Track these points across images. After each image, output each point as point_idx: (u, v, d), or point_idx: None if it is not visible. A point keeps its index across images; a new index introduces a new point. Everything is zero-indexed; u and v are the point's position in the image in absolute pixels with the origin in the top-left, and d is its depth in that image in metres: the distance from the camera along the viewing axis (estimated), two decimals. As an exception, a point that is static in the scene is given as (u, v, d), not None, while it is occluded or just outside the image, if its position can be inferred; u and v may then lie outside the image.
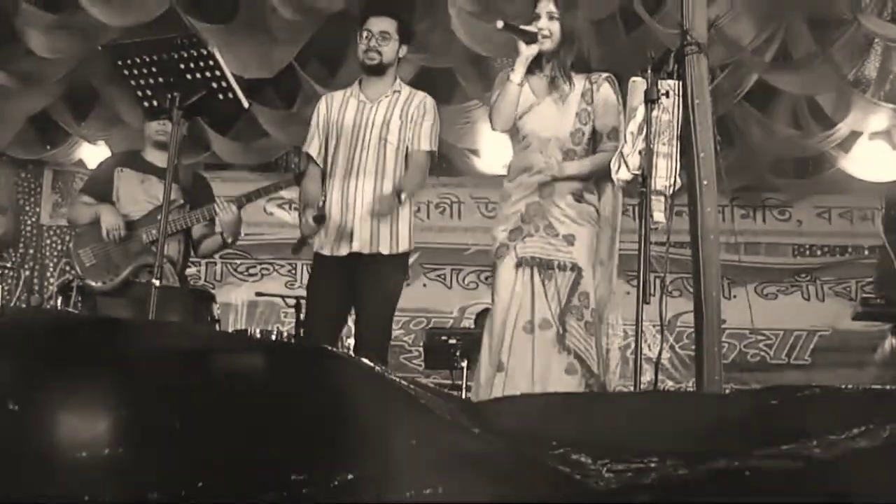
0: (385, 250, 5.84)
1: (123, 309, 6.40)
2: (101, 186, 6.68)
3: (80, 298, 7.15)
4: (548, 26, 5.50)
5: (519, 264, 5.51)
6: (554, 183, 5.51)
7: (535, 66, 5.56)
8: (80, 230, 6.68)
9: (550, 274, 5.48)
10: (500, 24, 5.45)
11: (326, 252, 5.90)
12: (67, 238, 12.58)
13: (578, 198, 5.57)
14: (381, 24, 5.93)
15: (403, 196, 5.74)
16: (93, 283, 6.52)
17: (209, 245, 6.70)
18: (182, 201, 6.53)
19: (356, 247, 5.81)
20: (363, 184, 5.87)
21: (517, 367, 5.43)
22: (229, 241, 6.57)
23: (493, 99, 5.68)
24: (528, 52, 5.45)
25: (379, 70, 5.97)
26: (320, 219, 5.84)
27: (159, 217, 5.85)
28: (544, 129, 5.59)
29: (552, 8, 5.50)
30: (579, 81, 5.60)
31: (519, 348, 5.46)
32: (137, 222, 6.48)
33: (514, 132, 5.65)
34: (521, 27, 5.48)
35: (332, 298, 5.91)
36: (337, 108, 6.06)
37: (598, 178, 5.62)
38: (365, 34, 5.95)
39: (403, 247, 5.92)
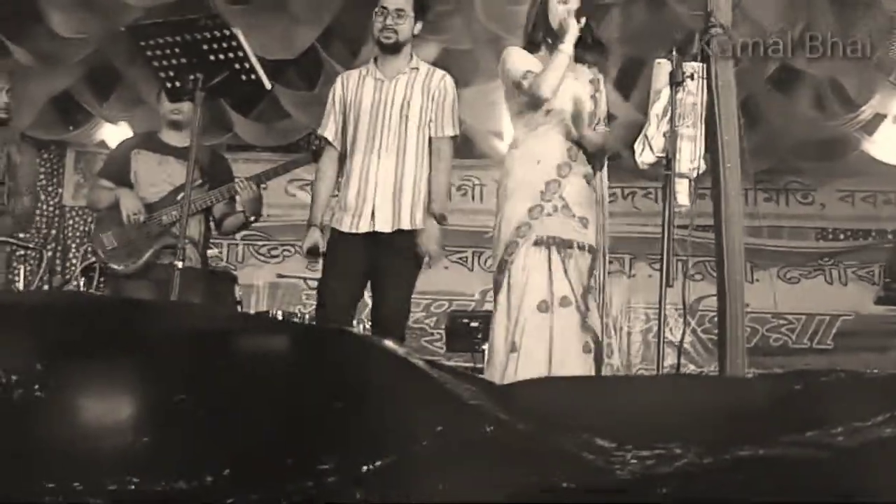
0: (407, 226, 5.84)
1: (146, 291, 6.40)
2: (118, 169, 6.67)
3: (102, 280, 7.14)
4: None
5: (537, 243, 5.52)
6: (572, 163, 5.55)
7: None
8: (100, 214, 6.68)
9: (570, 253, 5.50)
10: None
11: (345, 229, 5.88)
12: (89, 220, 12.62)
13: (589, 181, 5.61)
14: (397, 2, 5.90)
15: (443, 217, 5.88)
16: (115, 267, 6.53)
17: (231, 223, 6.70)
18: (201, 181, 6.52)
19: (378, 225, 5.81)
20: (385, 162, 5.86)
21: (533, 347, 5.43)
22: (251, 218, 6.57)
23: (521, 67, 5.72)
24: (576, 28, 5.56)
25: (395, 48, 5.94)
26: (314, 253, 5.86)
27: (179, 198, 5.87)
28: (568, 106, 5.69)
29: None
30: (587, 69, 5.81)
31: (534, 328, 5.46)
32: (157, 204, 6.48)
33: (537, 104, 5.67)
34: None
35: (351, 275, 5.88)
36: (353, 87, 6.03)
37: (595, 161, 5.69)
38: (380, 12, 5.92)
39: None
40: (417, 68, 6.00)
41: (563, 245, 5.51)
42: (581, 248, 5.52)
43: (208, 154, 6.81)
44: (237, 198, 6.48)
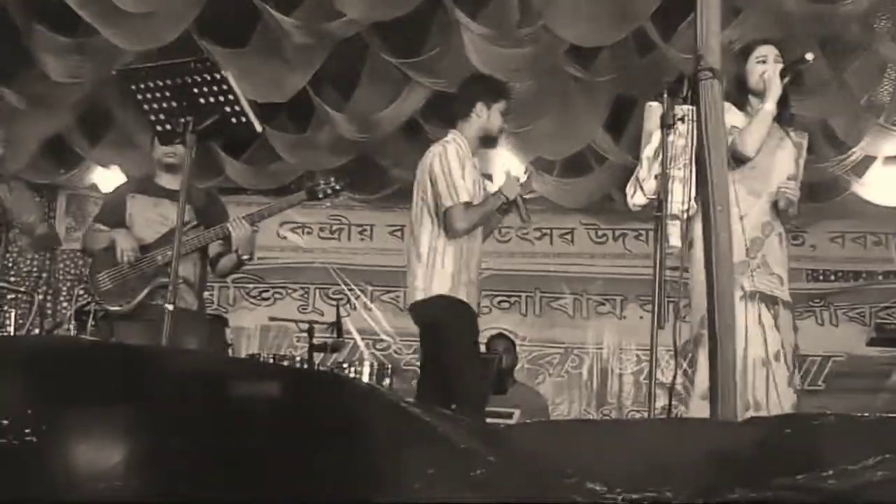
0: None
1: (140, 332, 6.41)
2: (114, 213, 6.70)
3: (94, 323, 7.14)
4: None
5: (748, 297, 5.57)
6: (773, 222, 5.59)
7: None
8: (95, 257, 6.69)
9: (777, 310, 5.53)
10: (809, 56, 5.82)
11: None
12: (81, 263, 12.61)
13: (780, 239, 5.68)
14: None
15: None
16: (110, 308, 6.54)
17: (225, 264, 6.72)
18: (196, 221, 6.53)
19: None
20: None
21: (761, 401, 5.49)
22: (244, 257, 6.58)
23: (736, 132, 5.75)
24: (779, 86, 5.65)
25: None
26: None
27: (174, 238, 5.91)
28: (770, 164, 5.76)
29: (777, 52, 5.84)
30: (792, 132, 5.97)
31: (753, 383, 5.52)
32: (152, 245, 6.50)
33: (744, 161, 5.71)
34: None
35: None
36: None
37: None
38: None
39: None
40: None
41: (770, 301, 5.64)
42: (785, 305, 5.62)
43: (203, 195, 6.84)
44: (231, 237, 6.48)
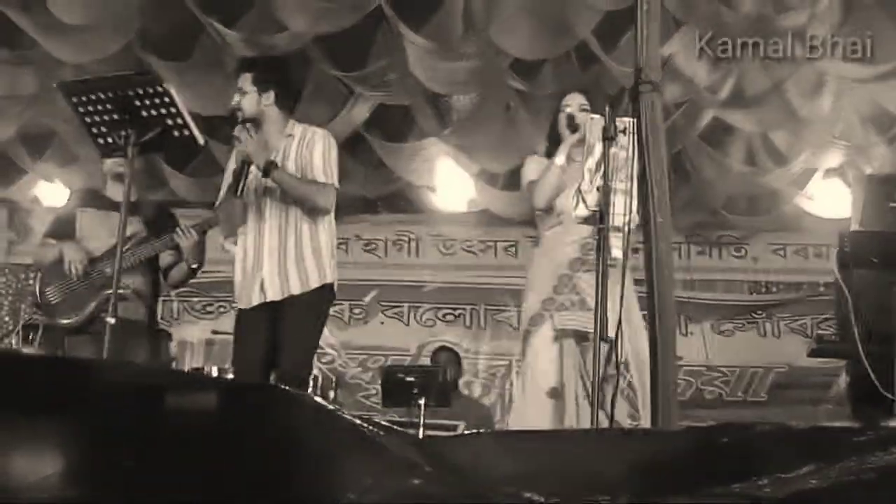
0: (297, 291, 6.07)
1: (89, 345, 6.39)
2: (63, 227, 6.68)
3: (38, 337, 7.12)
4: (582, 117, 5.87)
5: (557, 336, 5.65)
6: (585, 257, 5.64)
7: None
8: (44, 271, 6.67)
9: (587, 347, 5.58)
10: (567, 110, 6.05)
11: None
12: (23, 277, 12.52)
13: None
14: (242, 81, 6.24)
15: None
16: (59, 321, 6.52)
17: (176, 274, 6.71)
18: (146, 233, 6.52)
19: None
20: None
21: None
22: (194, 266, 6.56)
23: (527, 177, 6.10)
24: (571, 139, 5.90)
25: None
26: None
27: (123, 252, 5.95)
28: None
29: (584, 101, 6.07)
30: None
31: (538, 412, 5.60)
32: (101, 257, 6.46)
33: (550, 209, 5.97)
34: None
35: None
36: None
37: None
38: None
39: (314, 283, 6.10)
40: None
41: (580, 337, 5.71)
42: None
43: (153, 207, 6.83)
44: (181, 247, 6.45)
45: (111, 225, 6.53)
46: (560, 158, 5.81)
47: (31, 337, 7.84)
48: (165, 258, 6.64)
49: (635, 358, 5.73)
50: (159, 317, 8.92)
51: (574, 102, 5.95)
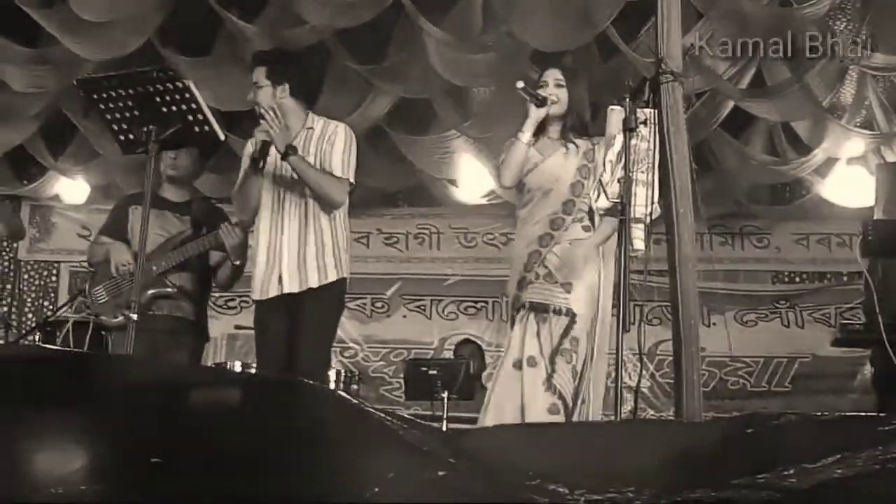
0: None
1: (136, 342, 6.38)
2: (116, 226, 6.68)
3: (64, 334, 7.14)
4: (556, 93, 5.78)
5: (520, 309, 5.61)
6: (554, 232, 5.61)
7: (541, 127, 5.80)
8: (94, 270, 6.70)
9: (545, 317, 5.54)
10: (520, 84, 5.77)
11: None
12: (45, 274, 12.56)
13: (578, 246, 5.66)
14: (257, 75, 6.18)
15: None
16: (106, 319, 6.54)
17: (223, 273, 6.68)
18: (191, 232, 6.51)
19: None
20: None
21: (505, 403, 5.52)
22: (237, 263, 6.52)
23: (501, 157, 5.93)
24: (537, 114, 5.74)
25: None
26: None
27: (170, 250, 6.22)
28: (548, 184, 5.78)
29: (559, 76, 5.84)
30: (581, 142, 5.81)
31: (507, 384, 5.55)
32: (150, 256, 6.45)
33: (521, 187, 5.86)
34: (535, 91, 5.76)
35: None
36: None
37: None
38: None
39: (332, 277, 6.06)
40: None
41: (540, 309, 5.60)
42: (557, 311, 5.58)
43: (204, 205, 6.82)
44: (225, 245, 6.43)
45: (163, 224, 6.54)
46: (525, 136, 5.70)
47: (57, 333, 7.86)
48: (215, 257, 6.63)
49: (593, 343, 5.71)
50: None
51: (550, 78, 5.85)
